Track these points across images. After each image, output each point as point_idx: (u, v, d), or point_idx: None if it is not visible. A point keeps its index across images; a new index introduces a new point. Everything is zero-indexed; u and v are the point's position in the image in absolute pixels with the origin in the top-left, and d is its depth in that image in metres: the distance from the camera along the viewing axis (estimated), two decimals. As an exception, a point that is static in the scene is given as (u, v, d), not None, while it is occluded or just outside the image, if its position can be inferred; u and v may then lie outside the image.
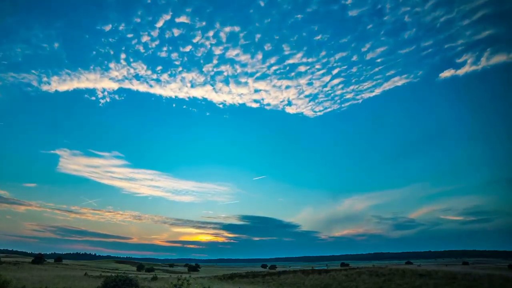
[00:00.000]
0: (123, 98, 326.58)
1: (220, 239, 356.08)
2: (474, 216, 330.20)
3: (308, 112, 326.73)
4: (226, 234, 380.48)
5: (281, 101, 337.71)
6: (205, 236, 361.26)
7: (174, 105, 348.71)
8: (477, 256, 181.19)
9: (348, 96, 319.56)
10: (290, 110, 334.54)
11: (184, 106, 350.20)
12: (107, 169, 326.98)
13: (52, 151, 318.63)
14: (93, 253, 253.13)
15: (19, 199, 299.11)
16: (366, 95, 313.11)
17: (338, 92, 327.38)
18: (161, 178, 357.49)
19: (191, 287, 14.35)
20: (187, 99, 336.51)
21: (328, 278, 31.70)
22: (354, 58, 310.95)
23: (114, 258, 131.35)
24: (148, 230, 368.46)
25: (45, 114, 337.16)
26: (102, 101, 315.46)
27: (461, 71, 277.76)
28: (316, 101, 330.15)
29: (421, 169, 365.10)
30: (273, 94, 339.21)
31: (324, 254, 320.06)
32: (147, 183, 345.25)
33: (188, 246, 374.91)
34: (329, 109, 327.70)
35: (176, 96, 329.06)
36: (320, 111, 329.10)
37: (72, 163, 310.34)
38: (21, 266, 41.29)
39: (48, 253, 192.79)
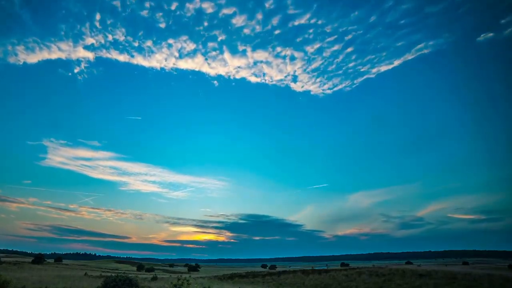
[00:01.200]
0: (101, 71, 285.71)
1: (220, 238, 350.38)
2: (485, 215, 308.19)
3: (316, 89, 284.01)
4: (226, 233, 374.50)
5: (286, 76, 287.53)
6: (204, 236, 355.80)
7: (160, 82, 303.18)
8: (477, 256, 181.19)
9: (363, 69, 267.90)
10: (295, 87, 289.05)
11: (173, 83, 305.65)
12: (99, 163, 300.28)
13: (38, 142, 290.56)
14: (93, 253, 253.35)
15: (9, 197, 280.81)
16: (383, 68, 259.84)
17: (351, 64, 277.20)
18: (155, 171, 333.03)
19: (191, 287, 14.35)
20: (175, 72, 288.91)
21: (328, 278, 31.70)
22: (372, 19, 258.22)
23: (113, 258, 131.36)
24: (146, 229, 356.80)
25: (20, 93, 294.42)
26: (79, 77, 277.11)
27: (502, 34, 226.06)
28: (326, 76, 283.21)
29: (433, 162, 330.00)
30: (276, 67, 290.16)
31: (328, 254, 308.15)
32: (142, 178, 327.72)
33: (187, 245, 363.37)
34: (339, 86, 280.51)
35: (162, 68, 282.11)
36: (329, 88, 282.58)
37: (61, 156, 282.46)
38: (21, 266, 41.28)
39: (45, 253, 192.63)
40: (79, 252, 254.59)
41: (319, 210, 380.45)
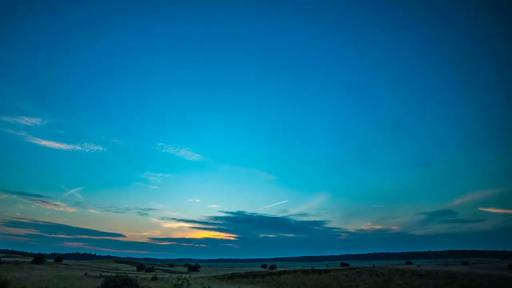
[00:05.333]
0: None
1: (220, 236, 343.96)
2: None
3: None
4: (227, 231, 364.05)
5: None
6: (203, 233, 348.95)
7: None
8: (477, 256, 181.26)
9: None
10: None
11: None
12: (80, 142, 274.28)
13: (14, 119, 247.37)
14: (93, 253, 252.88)
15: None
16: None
17: None
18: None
19: (191, 287, 14.35)
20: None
21: (328, 278, 31.71)
22: None
23: (113, 258, 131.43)
24: (142, 227, 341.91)
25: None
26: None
27: None
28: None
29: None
30: None
31: (331, 254, 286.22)
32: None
33: (187, 244, 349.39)
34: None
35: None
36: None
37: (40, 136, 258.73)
38: (21, 266, 41.28)
39: (45, 252, 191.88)
40: (79, 252, 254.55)
41: (327, 203, 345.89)
